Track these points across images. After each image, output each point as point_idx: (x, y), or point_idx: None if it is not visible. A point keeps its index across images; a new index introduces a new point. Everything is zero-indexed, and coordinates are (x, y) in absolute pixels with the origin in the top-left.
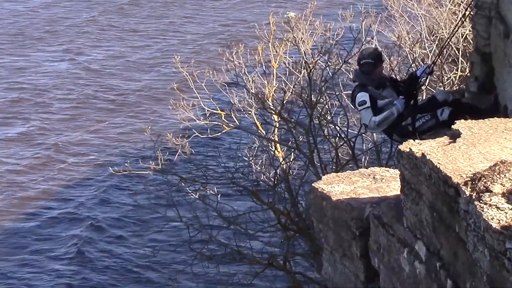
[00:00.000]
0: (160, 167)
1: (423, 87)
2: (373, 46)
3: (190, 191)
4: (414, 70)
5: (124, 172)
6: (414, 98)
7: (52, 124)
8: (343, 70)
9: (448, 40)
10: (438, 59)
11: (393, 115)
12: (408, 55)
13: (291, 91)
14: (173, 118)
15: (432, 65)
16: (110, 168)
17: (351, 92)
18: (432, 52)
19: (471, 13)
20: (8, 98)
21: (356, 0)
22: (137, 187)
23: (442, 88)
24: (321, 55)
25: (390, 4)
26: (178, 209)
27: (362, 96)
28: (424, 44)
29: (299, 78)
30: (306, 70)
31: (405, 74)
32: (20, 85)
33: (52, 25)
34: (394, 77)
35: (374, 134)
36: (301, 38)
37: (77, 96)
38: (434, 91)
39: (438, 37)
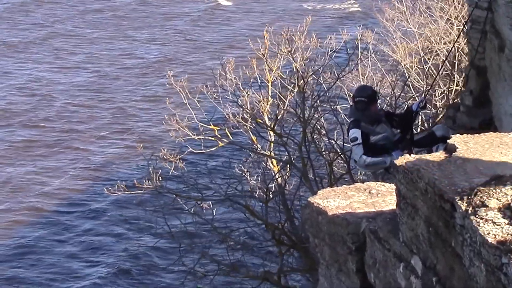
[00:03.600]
0: (154, 185)
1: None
2: (369, 84)
3: (185, 209)
4: (410, 105)
5: (120, 193)
6: (410, 132)
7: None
8: (338, 83)
9: (442, 66)
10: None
11: (384, 164)
12: (405, 70)
13: (284, 106)
14: (167, 135)
15: (425, 99)
16: (104, 188)
17: (346, 128)
18: (427, 68)
19: (466, 27)
20: None
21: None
22: (128, 204)
23: (442, 123)
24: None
25: (384, 21)
26: (170, 226)
27: (354, 132)
28: (421, 59)
29: (293, 93)
30: (299, 86)
31: (400, 107)
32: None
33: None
34: (390, 111)
35: None
36: (294, 53)
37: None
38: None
39: (433, 52)
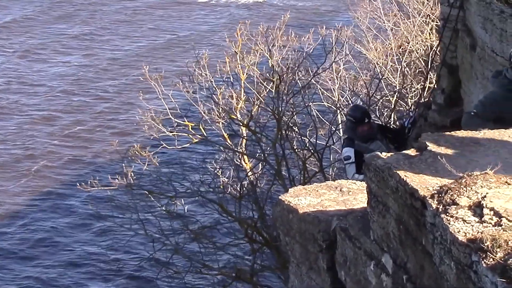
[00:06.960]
0: (127, 181)
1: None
2: (362, 104)
3: (158, 205)
4: (403, 121)
5: (92, 188)
6: (404, 147)
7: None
8: (313, 81)
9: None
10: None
11: None
12: (377, 69)
13: (258, 102)
14: (140, 129)
15: (415, 113)
16: (77, 184)
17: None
18: (401, 65)
19: (439, 26)
20: None
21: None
22: (101, 200)
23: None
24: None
25: (358, 18)
26: (144, 223)
27: (347, 151)
28: (393, 57)
29: (268, 90)
30: (274, 82)
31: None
32: None
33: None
34: (383, 124)
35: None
36: (269, 49)
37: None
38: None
39: (406, 50)
